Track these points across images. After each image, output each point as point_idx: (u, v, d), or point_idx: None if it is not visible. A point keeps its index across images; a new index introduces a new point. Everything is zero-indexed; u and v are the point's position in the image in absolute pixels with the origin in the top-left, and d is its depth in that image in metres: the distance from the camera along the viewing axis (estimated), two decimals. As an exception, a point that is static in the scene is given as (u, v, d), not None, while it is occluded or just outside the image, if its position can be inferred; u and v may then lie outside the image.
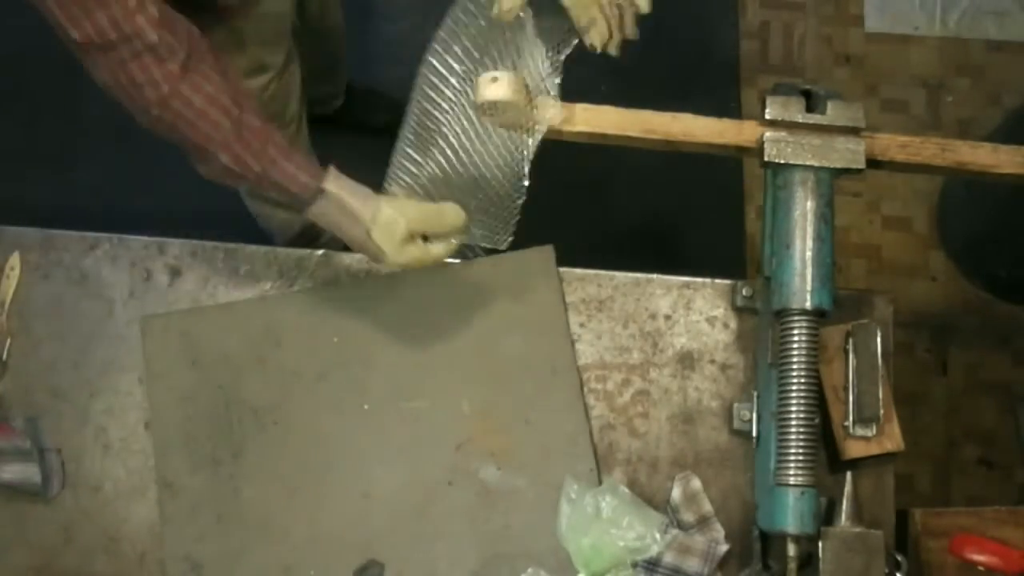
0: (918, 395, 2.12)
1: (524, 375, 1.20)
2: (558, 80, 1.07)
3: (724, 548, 1.13)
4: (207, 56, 0.97)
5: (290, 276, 1.25)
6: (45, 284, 1.25)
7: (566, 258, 1.25)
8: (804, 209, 1.05)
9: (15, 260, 1.25)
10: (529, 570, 1.13)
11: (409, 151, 1.09)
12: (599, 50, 1.04)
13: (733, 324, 1.23)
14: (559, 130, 1.08)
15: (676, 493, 1.17)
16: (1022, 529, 1.19)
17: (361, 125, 2.16)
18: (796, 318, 1.04)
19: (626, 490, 1.13)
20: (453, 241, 1.09)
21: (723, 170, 2.17)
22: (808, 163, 1.06)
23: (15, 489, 1.17)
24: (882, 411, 1.12)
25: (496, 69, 1.03)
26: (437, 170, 1.08)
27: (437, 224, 1.07)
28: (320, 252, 1.26)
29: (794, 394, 1.03)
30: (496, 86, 1.02)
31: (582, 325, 1.23)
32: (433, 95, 1.07)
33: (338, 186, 1.03)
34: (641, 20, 1.06)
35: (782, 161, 1.06)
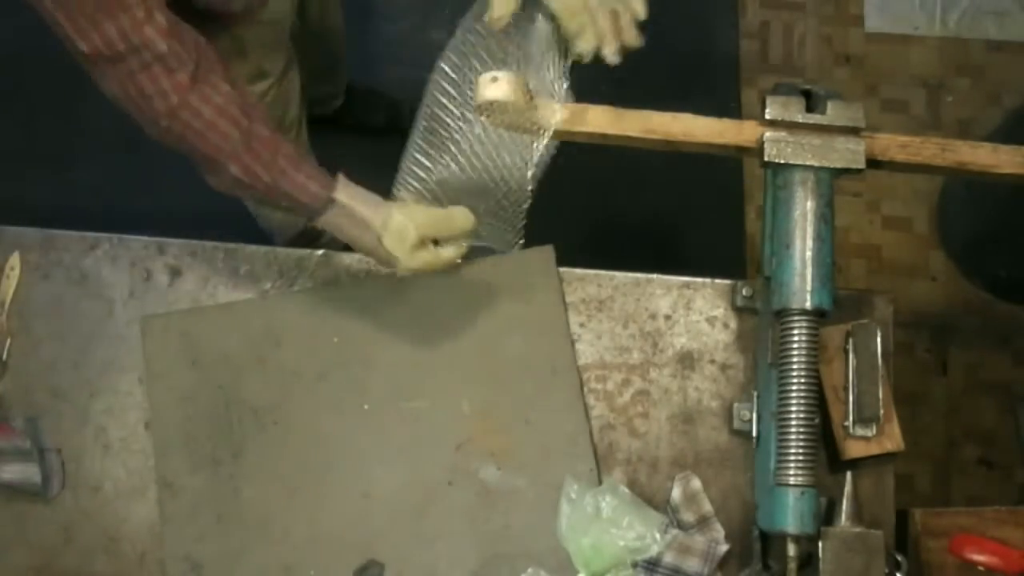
0: (918, 395, 2.12)
1: (524, 375, 1.20)
2: (566, 84, 1.07)
3: (724, 548, 1.13)
4: (216, 66, 0.97)
5: (290, 276, 1.25)
6: (45, 284, 1.25)
7: (566, 258, 1.25)
8: (804, 209, 1.05)
9: (15, 260, 1.25)
10: (529, 570, 1.13)
11: (419, 157, 1.09)
12: (587, 59, 1.02)
13: (733, 324, 1.23)
14: (559, 130, 1.08)
15: (676, 493, 1.17)
16: (1022, 529, 1.19)
17: (361, 125, 2.16)
18: (796, 318, 1.04)
19: (626, 490, 1.13)
20: (463, 244, 1.09)
21: (723, 170, 2.17)
22: (808, 163, 1.06)
23: (15, 489, 1.17)
24: (882, 411, 1.12)
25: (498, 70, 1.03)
26: (447, 174, 1.09)
27: (447, 228, 1.07)
28: (320, 252, 1.26)
29: (794, 394, 1.03)
30: (496, 86, 1.02)
31: (582, 325, 1.23)
32: (444, 100, 1.07)
33: (348, 195, 1.04)
34: (641, 26, 1.05)
35: (782, 161, 1.06)
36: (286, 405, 1.19)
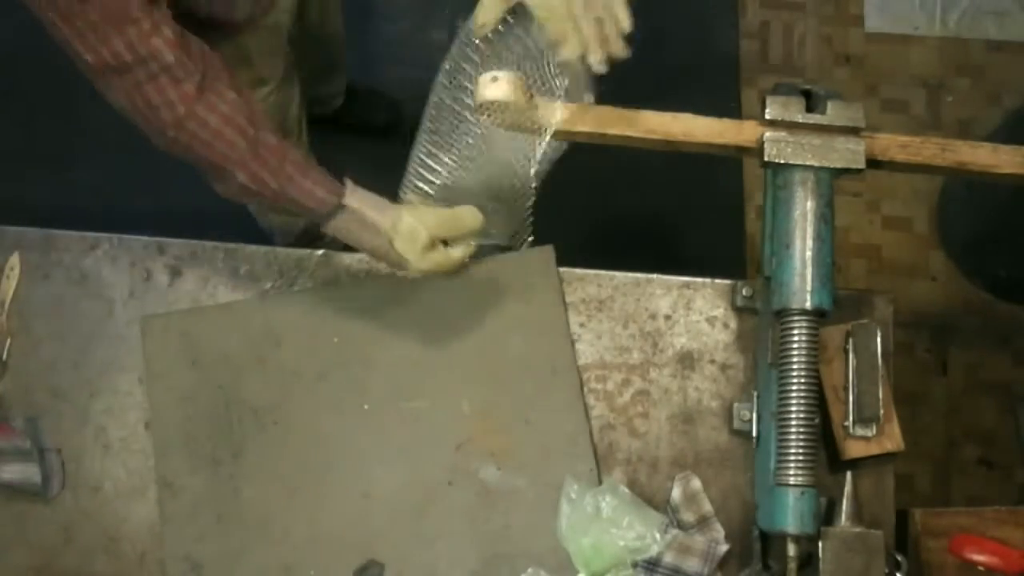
0: (918, 395, 2.12)
1: (524, 375, 1.20)
2: (567, 84, 1.07)
3: (724, 548, 1.13)
4: (221, 75, 0.97)
5: (290, 276, 1.25)
6: (45, 284, 1.25)
7: (566, 258, 1.25)
8: (804, 209, 1.05)
9: (15, 260, 1.26)
10: (529, 570, 1.13)
11: (425, 158, 1.10)
12: (571, 67, 1.01)
13: (733, 324, 1.23)
14: (560, 130, 1.08)
15: (676, 493, 1.17)
16: (1022, 529, 1.19)
17: (361, 125, 2.16)
18: (796, 318, 1.04)
19: (626, 490, 1.13)
20: (471, 244, 1.10)
21: (723, 170, 2.18)
22: (808, 163, 1.06)
23: (15, 489, 1.17)
24: (882, 411, 1.12)
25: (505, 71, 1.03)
26: (453, 174, 1.09)
27: (456, 228, 1.08)
28: (320, 252, 1.26)
29: (794, 394, 1.03)
30: (496, 86, 1.02)
31: (582, 325, 1.23)
32: (448, 101, 1.07)
33: (358, 199, 1.04)
34: (628, 38, 1.04)
35: (782, 161, 1.06)
36: (286, 405, 1.19)
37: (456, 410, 1.19)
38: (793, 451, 1.03)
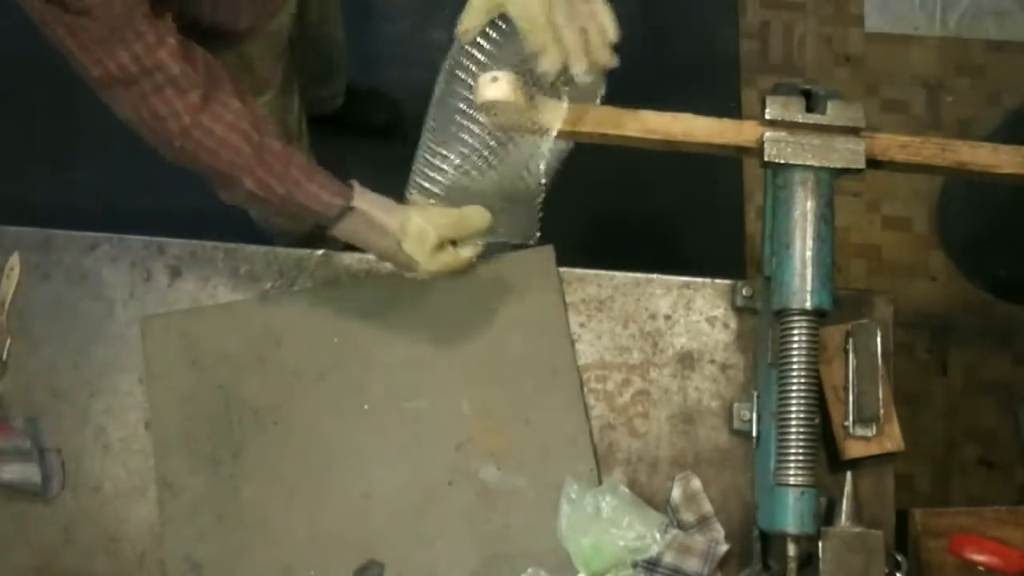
0: (918, 395, 2.12)
1: (524, 375, 1.20)
2: (568, 87, 1.07)
3: (724, 548, 1.13)
4: (225, 83, 0.97)
5: (290, 276, 1.25)
6: (45, 284, 1.25)
7: (566, 258, 1.25)
8: (804, 209, 1.05)
9: (15, 260, 1.25)
10: (529, 570, 1.13)
11: (429, 157, 1.09)
12: (551, 78, 1.00)
13: (733, 324, 1.23)
14: (560, 130, 1.08)
15: (676, 493, 1.17)
16: (1022, 529, 1.19)
17: (361, 125, 2.16)
18: (796, 318, 1.04)
19: (626, 490, 1.13)
20: (479, 243, 1.10)
21: (723, 170, 2.18)
22: (808, 163, 1.06)
23: (15, 489, 1.17)
24: (882, 411, 1.12)
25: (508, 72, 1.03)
26: (459, 173, 1.09)
27: (464, 228, 1.08)
28: (320, 252, 1.26)
29: (794, 394, 1.03)
30: (496, 86, 1.02)
31: (582, 325, 1.23)
32: (451, 100, 1.07)
33: (366, 201, 1.04)
34: (623, 40, 1.03)
35: (782, 161, 1.06)
36: (286, 405, 1.19)
37: (456, 410, 1.19)
38: (793, 451, 1.03)
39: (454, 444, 1.18)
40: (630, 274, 1.25)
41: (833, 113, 1.06)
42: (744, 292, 1.22)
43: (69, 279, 1.25)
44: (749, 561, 1.12)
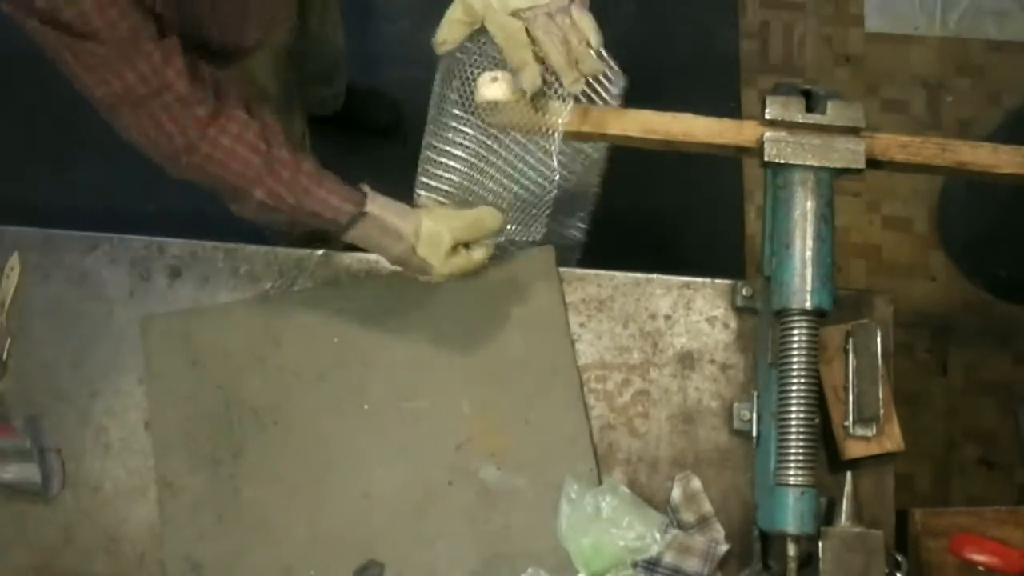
0: (918, 395, 2.12)
1: (524, 375, 1.20)
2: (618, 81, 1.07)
3: (724, 548, 1.13)
4: (232, 97, 0.98)
5: (290, 276, 1.25)
6: (45, 284, 1.25)
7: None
8: (804, 209, 1.05)
9: (15, 260, 1.25)
10: (529, 570, 1.13)
11: (434, 157, 1.09)
12: (529, 94, 1.00)
13: (733, 324, 1.23)
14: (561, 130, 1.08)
15: (676, 493, 1.17)
16: (1022, 529, 1.19)
17: (362, 125, 2.16)
18: (796, 318, 1.04)
19: (626, 490, 1.13)
20: (490, 244, 1.10)
21: (723, 170, 2.17)
22: (808, 163, 1.06)
23: (15, 489, 1.17)
24: (882, 411, 1.12)
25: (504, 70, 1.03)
26: (466, 171, 1.09)
27: (477, 230, 1.08)
28: (320, 252, 1.26)
29: (794, 394, 1.03)
30: (496, 86, 1.02)
31: (582, 325, 1.23)
32: (455, 97, 1.07)
33: (378, 206, 1.04)
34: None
35: (782, 161, 1.06)
36: (286, 405, 1.19)
37: (456, 410, 1.19)
38: (793, 451, 1.03)
39: (454, 444, 1.18)
40: (630, 274, 1.25)
41: (833, 113, 1.06)
42: (744, 292, 1.22)
43: (69, 279, 1.25)
44: (749, 561, 1.12)
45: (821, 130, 1.06)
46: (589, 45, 0.98)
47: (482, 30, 1.01)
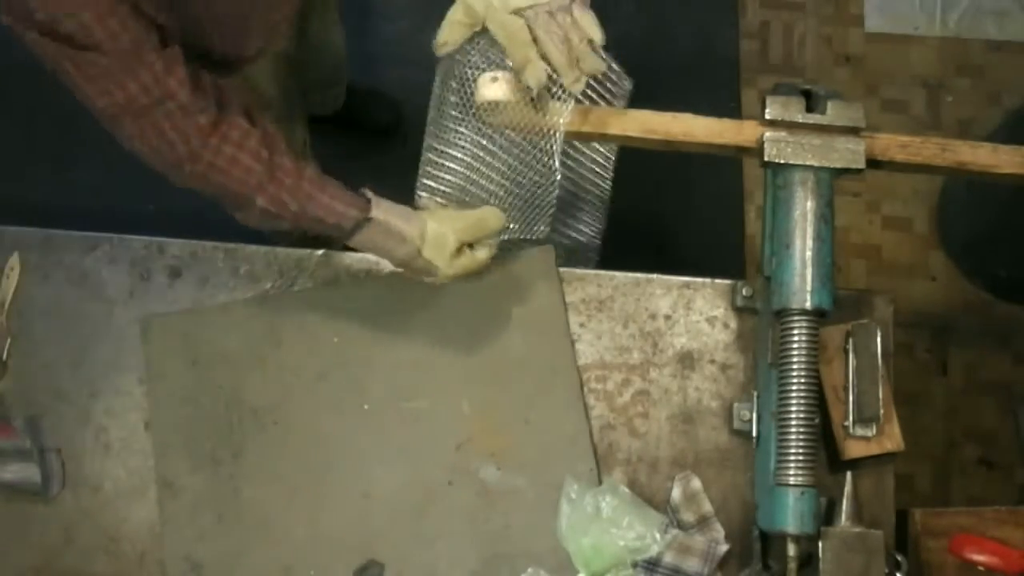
0: (918, 395, 2.12)
1: (524, 375, 1.20)
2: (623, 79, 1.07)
3: (724, 548, 1.13)
4: (233, 105, 0.98)
5: (290, 276, 1.25)
6: (45, 284, 1.25)
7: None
8: (804, 209, 1.05)
9: (15, 260, 1.25)
10: (529, 570, 1.13)
11: (434, 158, 1.10)
12: (535, 92, 1.00)
13: (733, 324, 1.23)
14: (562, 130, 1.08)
15: (676, 493, 1.17)
16: (1022, 529, 1.19)
17: (362, 125, 2.16)
18: (796, 318, 1.04)
19: (626, 490, 1.13)
20: (493, 244, 1.11)
21: (723, 170, 2.17)
22: (808, 163, 1.06)
23: (15, 489, 1.17)
24: (882, 411, 1.12)
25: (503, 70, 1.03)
26: (467, 174, 1.09)
27: (481, 230, 1.08)
28: (320, 252, 1.26)
29: (794, 394, 1.03)
30: (496, 86, 1.02)
31: (582, 325, 1.23)
32: (454, 99, 1.07)
33: (383, 210, 1.04)
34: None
35: (782, 161, 1.06)
36: (286, 405, 1.19)
37: (456, 410, 1.19)
38: (793, 451, 1.03)
39: (454, 444, 1.18)
40: (630, 274, 1.25)
41: (833, 113, 1.06)
42: (744, 292, 1.22)
43: (69, 279, 1.25)
44: (749, 561, 1.12)
45: (821, 130, 1.06)
46: (591, 44, 0.98)
47: (482, 32, 1.02)
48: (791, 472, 1.02)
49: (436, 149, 1.10)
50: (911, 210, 2.26)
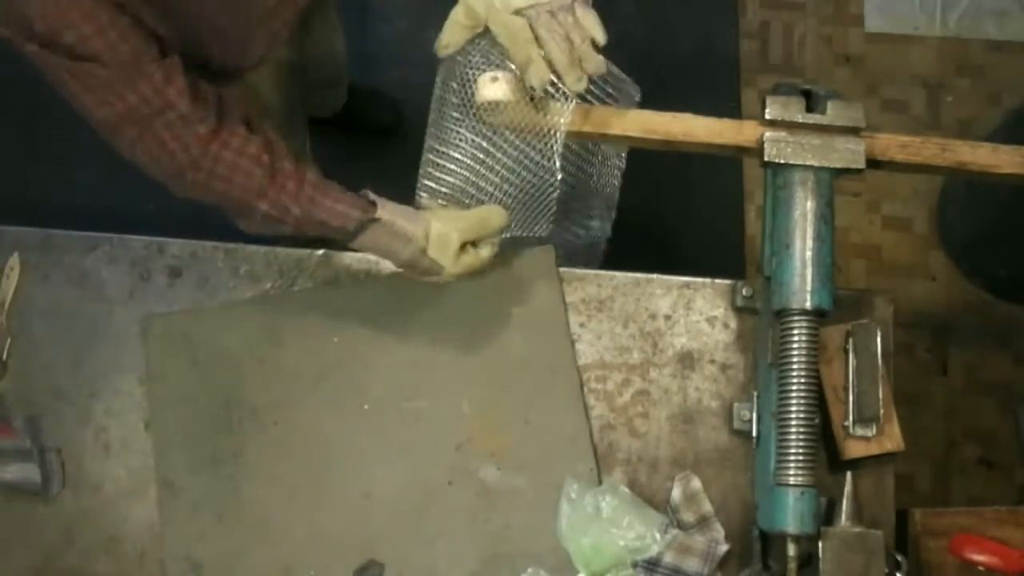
0: (918, 395, 2.12)
1: (524, 375, 1.20)
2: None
3: (724, 548, 1.13)
4: (233, 113, 0.98)
5: (290, 276, 1.25)
6: (45, 284, 1.25)
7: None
8: (804, 209, 1.05)
9: (15, 260, 1.26)
10: (529, 570, 1.13)
11: (434, 158, 1.10)
12: (538, 92, 1.00)
13: (733, 324, 1.23)
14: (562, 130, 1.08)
15: (676, 493, 1.17)
16: (1022, 529, 1.19)
17: (362, 126, 2.16)
18: (796, 318, 1.04)
19: (626, 490, 1.13)
20: (495, 241, 1.11)
21: (723, 170, 2.17)
22: (808, 163, 1.06)
23: (15, 489, 1.17)
24: (882, 411, 1.12)
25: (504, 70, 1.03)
26: (466, 173, 1.09)
27: (483, 229, 1.09)
28: (320, 252, 1.26)
29: (794, 394, 1.03)
30: (496, 86, 1.02)
31: (582, 325, 1.23)
32: (455, 100, 1.07)
33: (388, 211, 1.04)
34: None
35: (782, 161, 1.06)
36: (286, 405, 1.19)
37: (456, 410, 1.19)
38: (793, 451, 1.03)
39: (454, 444, 1.18)
40: (630, 274, 1.25)
41: (833, 113, 1.06)
42: (744, 292, 1.22)
43: (69, 279, 1.25)
44: (749, 561, 1.12)
45: (821, 130, 1.06)
46: (594, 46, 0.99)
47: (483, 32, 1.02)
48: (791, 472, 1.02)
49: (437, 150, 1.10)
50: (911, 210, 2.26)
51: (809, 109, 1.07)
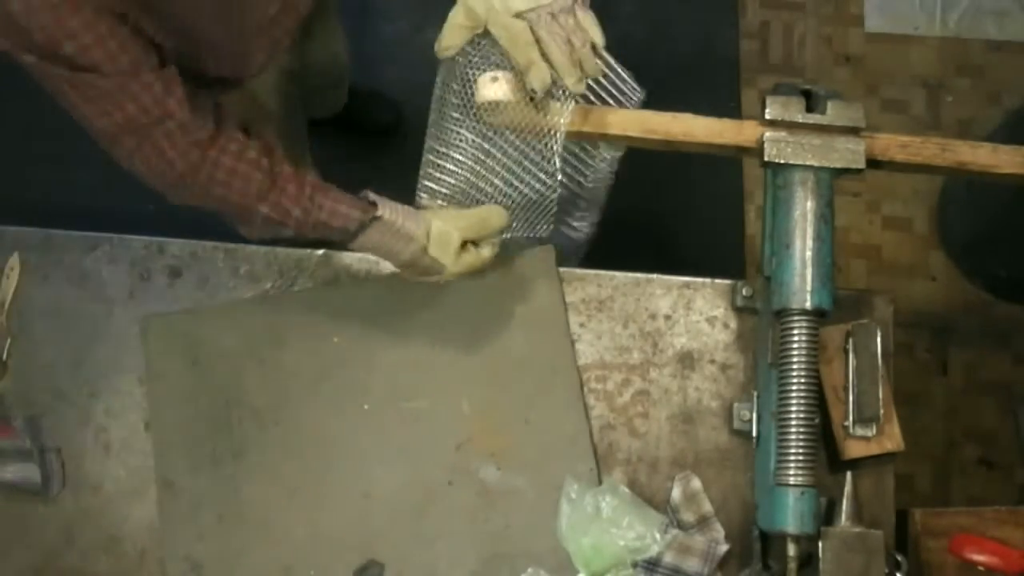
0: (918, 395, 2.12)
1: (524, 375, 1.20)
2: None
3: (724, 548, 1.13)
4: (231, 119, 0.98)
5: (290, 276, 1.25)
6: (45, 284, 1.25)
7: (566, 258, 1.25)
8: (804, 209, 1.05)
9: (15, 260, 1.26)
10: (529, 570, 1.13)
11: (434, 159, 1.10)
12: (540, 95, 1.01)
13: (733, 324, 1.23)
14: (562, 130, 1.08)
15: (676, 493, 1.17)
16: (1022, 529, 1.19)
17: (362, 126, 2.15)
18: (796, 318, 1.04)
19: (626, 490, 1.13)
20: (496, 240, 1.11)
21: (723, 170, 2.17)
22: (808, 163, 1.06)
23: (15, 489, 1.17)
24: (882, 411, 1.12)
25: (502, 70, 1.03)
26: (466, 173, 1.09)
27: (484, 228, 1.09)
28: (320, 252, 1.26)
29: (794, 394, 1.03)
30: (496, 86, 1.02)
31: (582, 325, 1.23)
32: (455, 100, 1.07)
33: (389, 211, 1.04)
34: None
35: (782, 161, 1.06)
36: (286, 405, 1.19)
37: (456, 410, 1.19)
38: (793, 451, 1.03)
39: (454, 444, 1.18)
40: (630, 274, 1.25)
41: (833, 113, 1.06)
42: (744, 292, 1.22)
43: (69, 279, 1.25)
44: (749, 561, 1.12)
45: (821, 130, 1.06)
46: (595, 48, 0.99)
47: (483, 34, 1.02)
48: (791, 472, 1.02)
49: (437, 151, 1.10)
50: (911, 210, 2.26)
51: (809, 109, 1.07)
